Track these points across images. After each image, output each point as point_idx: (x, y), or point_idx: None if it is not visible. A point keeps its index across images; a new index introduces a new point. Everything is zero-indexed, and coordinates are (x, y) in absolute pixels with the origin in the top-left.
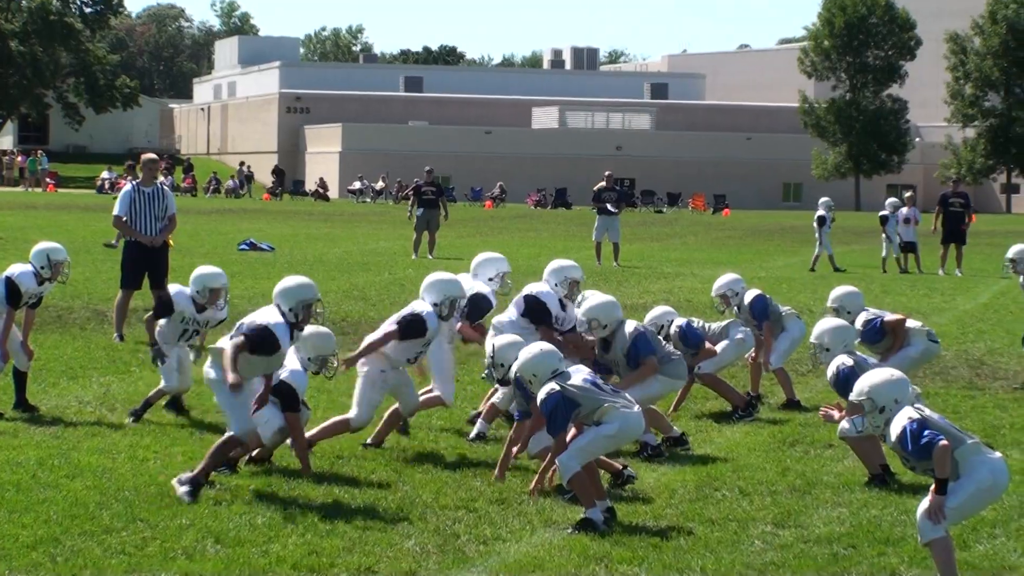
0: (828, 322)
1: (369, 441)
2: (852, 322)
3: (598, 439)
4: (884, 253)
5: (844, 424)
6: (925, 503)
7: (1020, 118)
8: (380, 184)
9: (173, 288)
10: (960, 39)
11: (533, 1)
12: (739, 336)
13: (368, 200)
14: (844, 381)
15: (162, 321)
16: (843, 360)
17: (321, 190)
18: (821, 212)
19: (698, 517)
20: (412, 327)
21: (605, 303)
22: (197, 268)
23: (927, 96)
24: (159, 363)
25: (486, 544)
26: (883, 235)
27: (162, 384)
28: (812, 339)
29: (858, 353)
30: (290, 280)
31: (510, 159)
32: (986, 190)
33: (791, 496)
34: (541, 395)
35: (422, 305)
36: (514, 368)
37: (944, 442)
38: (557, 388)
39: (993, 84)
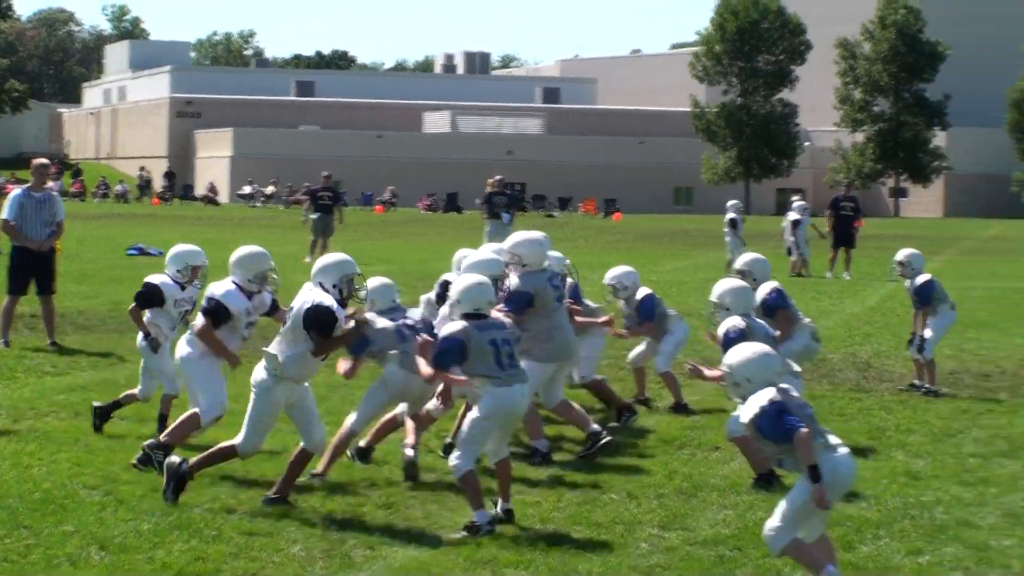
0: (730, 282)
1: (364, 444)
2: (756, 288)
3: (475, 424)
4: (796, 257)
5: (731, 425)
6: (774, 516)
7: (909, 123)
8: (271, 189)
9: (155, 278)
10: (850, 44)
11: (425, 6)
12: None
13: (258, 205)
14: (729, 343)
15: (148, 314)
16: (735, 322)
17: (211, 195)
18: (732, 215)
19: (585, 520)
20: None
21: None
22: (174, 247)
23: (817, 101)
24: (153, 352)
25: (372, 549)
26: (792, 239)
27: (138, 390)
28: (712, 297)
29: (756, 319)
30: (243, 250)
31: (401, 163)
32: (875, 194)
33: (678, 499)
34: None
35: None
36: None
37: (805, 430)
38: None
39: (882, 89)
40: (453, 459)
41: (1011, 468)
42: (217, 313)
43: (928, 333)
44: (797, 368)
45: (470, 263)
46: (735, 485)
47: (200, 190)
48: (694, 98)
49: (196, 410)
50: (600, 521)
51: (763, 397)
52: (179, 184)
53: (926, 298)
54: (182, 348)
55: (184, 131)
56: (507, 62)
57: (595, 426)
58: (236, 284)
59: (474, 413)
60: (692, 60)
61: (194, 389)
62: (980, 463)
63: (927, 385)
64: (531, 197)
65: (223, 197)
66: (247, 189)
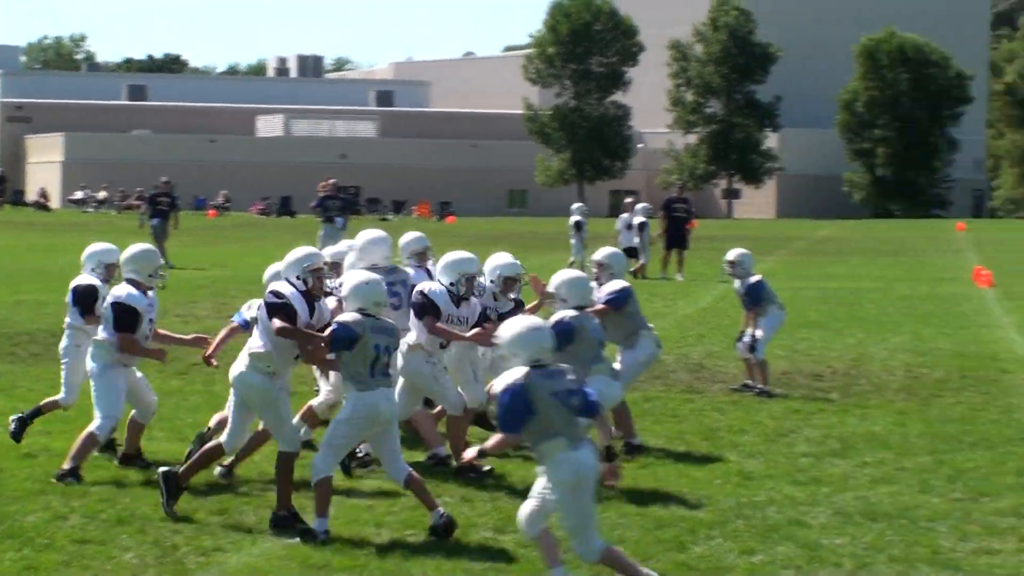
0: (567, 273)
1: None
2: (609, 281)
3: (337, 428)
4: (572, 258)
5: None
6: (526, 504)
7: (741, 124)
8: (103, 194)
9: (82, 280)
10: (682, 46)
11: (258, 9)
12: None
13: (90, 210)
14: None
15: (68, 318)
16: (566, 315)
17: (43, 200)
18: (577, 217)
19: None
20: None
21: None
22: (89, 246)
23: (650, 103)
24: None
25: (206, 556)
26: (572, 241)
27: (60, 396)
28: (550, 287)
29: (588, 315)
30: (136, 248)
31: (234, 167)
32: (708, 196)
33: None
34: None
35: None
36: None
37: (501, 437)
38: None
39: (714, 91)
40: (316, 459)
41: (842, 467)
42: (127, 317)
43: (759, 333)
44: (617, 366)
45: (448, 260)
46: None
47: (31, 195)
48: (527, 100)
49: (92, 430)
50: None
51: (511, 376)
52: (10, 189)
53: (756, 298)
54: (88, 363)
55: (15, 136)
56: (340, 65)
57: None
58: (131, 281)
59: (336, 417)
60: (525, 63)
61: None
62: (812, 463)
63: (760, 385)
64: (365, 200)
65: (55, 203)
66: (79, 194)
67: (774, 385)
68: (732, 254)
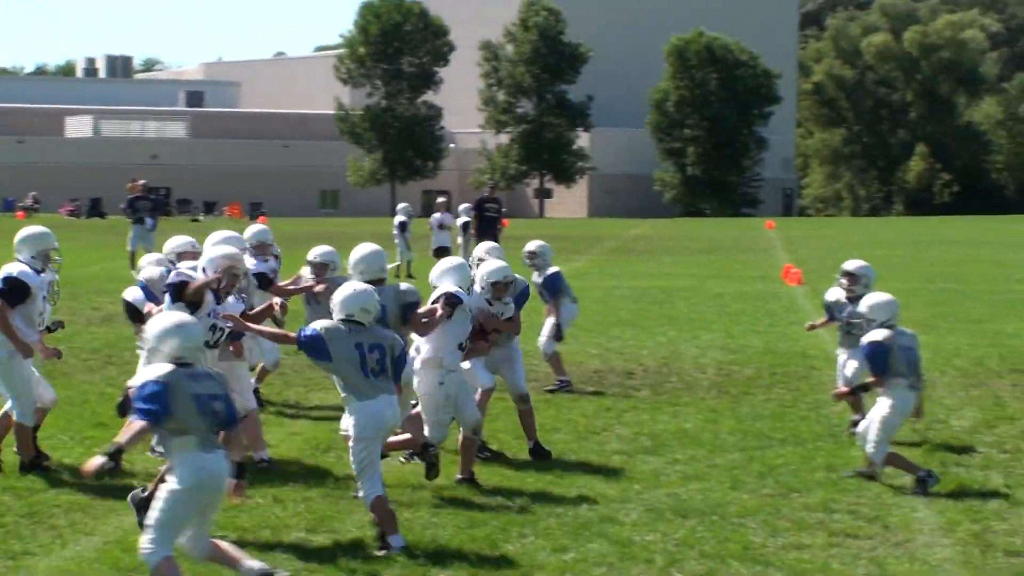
0: (448, 262)
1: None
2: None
3: (354, 450)
4: (398, 259)
5: None
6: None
7: (552, 124)
8: None
9: (11, 268)
10: (493, 46)
11: (66, 9)
12: None
13: None
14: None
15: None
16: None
17: None
18: (402, 218)
19: (231, 526)
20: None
21: None
22: (21, 231)
23: (462, 103)
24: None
25: (15, 559)
26: (396, 242)
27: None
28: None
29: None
30: (28, 230)
31: (43, 168)
32: (520, 195)
33: (324, 502)
34: None
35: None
36: None
37: (138, 428)
38: None
39: (525, 91)
40: (359, 490)
41: (654, 464)
42: (15, 290)
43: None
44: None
45: (445, 269)
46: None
47: None
48: (339, 101)
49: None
50: (246, 526)
51: (157, 370)
52: None
53: (553, 289)
54: None
55: None
56: (150, 65)
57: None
58: (22, 262)
59: (352, 436)
60: (336, 63)
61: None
62: (624, 460)
63: (561, 378)
64: (176, 201)
65: None
66: None
67: (586, 383)
68: (532, 245)
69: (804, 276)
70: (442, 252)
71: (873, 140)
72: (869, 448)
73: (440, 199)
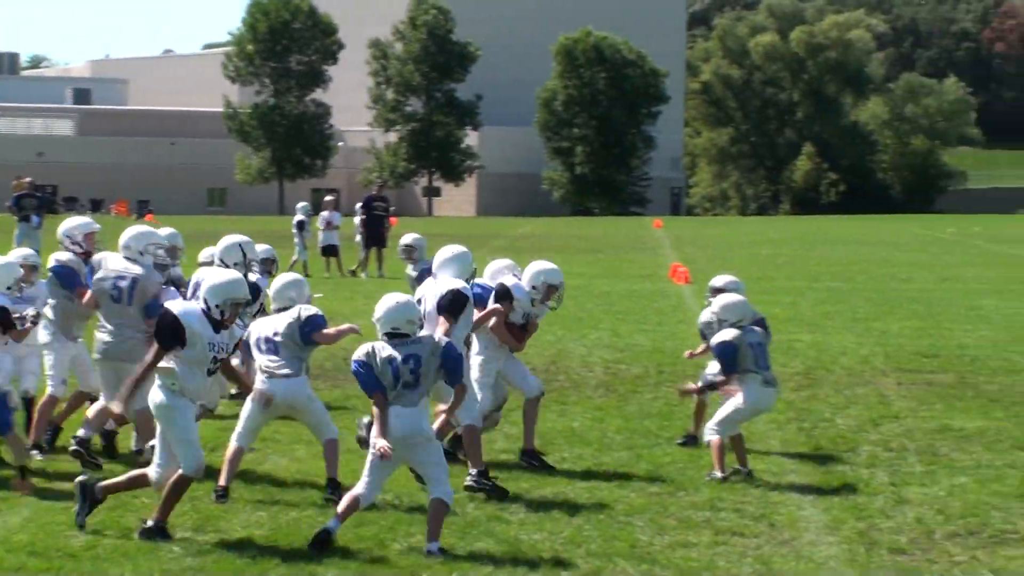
0: (286, 277)
1: None
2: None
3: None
4: (296, 257)
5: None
6: None
7: (441, 122)
8: None
9: None
10: (382, 45)
11: None
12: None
13: None
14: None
15: None
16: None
17: None
18: (300, 216)
19: (116, 525)
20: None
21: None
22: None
23: (350, 101)
24: None
25: None
26: (296, 240)
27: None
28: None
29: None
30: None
31: None
32: (409, 194)
33: (210, 501)
34: None
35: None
36: None
37: None
38: None
39: (414, 89)
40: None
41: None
42: None
43: None
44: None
45: (447, 258)
46: (269, 486)
47: None
48: (227, 98)
49: None
50: (131, 526)
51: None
52: None
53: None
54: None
55: None
56: (36, 62)
57: None
58: None
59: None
60: (225, 60)
61: None
62: (511, 459)
63: None
64: (63, 199)
65: None
66: None
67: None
68: (408, 238)
69: (691, 275)
70: (330, 251)
71: (760, 140)
72: (708, 425)
73: (328, 197)
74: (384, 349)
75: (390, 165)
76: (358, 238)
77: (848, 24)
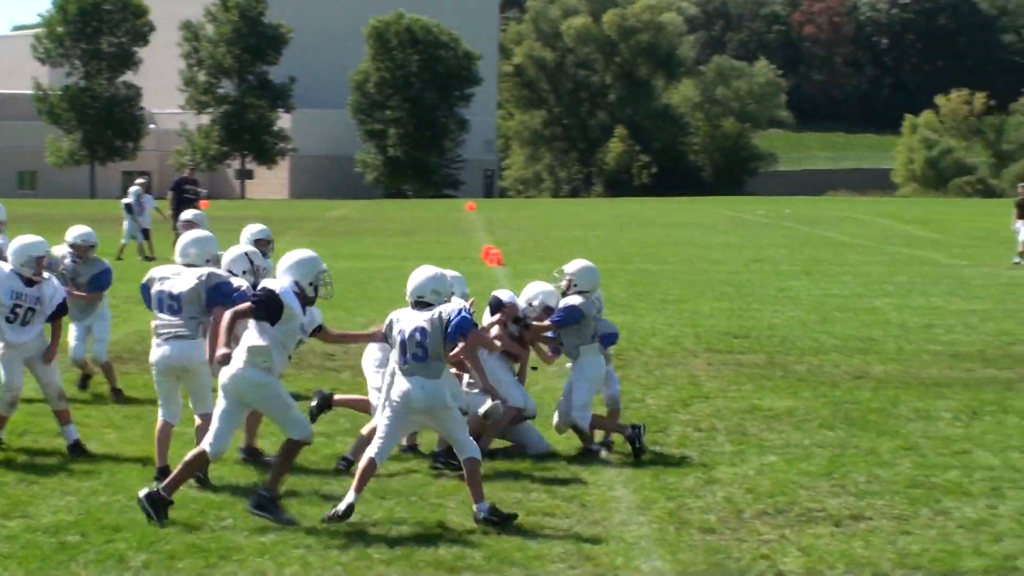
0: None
1: None
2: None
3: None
4: (125, 240)
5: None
6: None
7: (253, 105)
8: None
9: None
10: (193, 27)
11: None
12: None
13: None
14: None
15: None
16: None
17: None
18: (129, 200)
19: None
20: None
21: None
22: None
23: (162, 83)
24: None
25: None
26: (126, 222)
27: None
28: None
29: None
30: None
31: None
32: (222, 176)
33: (19, 487)
34: None
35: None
36: None
37: None
38: None
39: (226, 72)
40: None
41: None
42: None
43: None
44: None
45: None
46: (76, 473)
47: None
48: (37, 81)
49: None
50: None
51: None
52: None
53: None
54: None
55: None
56: None
57: None
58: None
59: None
60: (34, 42)
61: None
62: (325, 441)
63: None
64: None
65: None
66: None
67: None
68: (251, 230)
69: (504, 257)
70: (142, 234)
71: (573, 122)
72: (576, 413)
73: (139, 180)
74: (400, 320)
75: (202, 148)
76: (125, 224)
77: (660, 7)
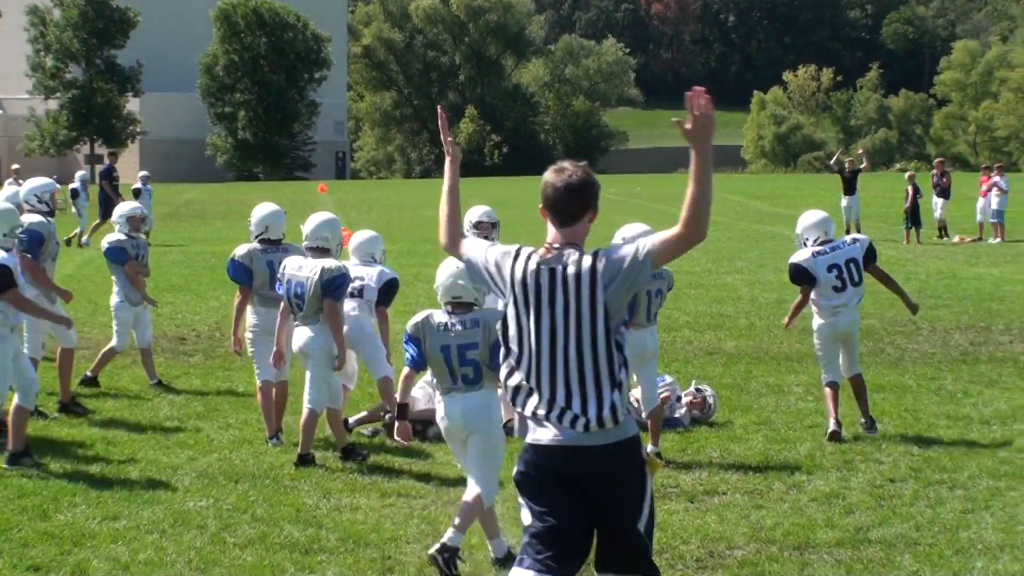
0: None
1: None
2: None
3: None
4: (79, 229)
5: None
6: None
7: (102, 89)
8: None
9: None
10: (40, 11)
11: None
12: None
13: None
14: None
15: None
16: None
17: None
18: (75, 184)
19: None
20: None
21: None
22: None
23: (10, 68)
24: None
25: None
26: (74, 209)
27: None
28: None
29: None
30: None
31: None
32: (71, 161)
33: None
34: None
35: None
36: None
37: None
38: None
39: (74, 56)
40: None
41: (206, 430)
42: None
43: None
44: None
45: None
46: None
47: None
48: None
49: None
50: None
51: None
52: None
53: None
54: None
55: None
56: None
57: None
58: None
59: None
60: None
61: None
62: (176, 424)
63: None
64: None
65: None
66: None
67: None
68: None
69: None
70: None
71: (424, 103)
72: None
73: (15, 166)
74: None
75: (51, 133)
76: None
77: None
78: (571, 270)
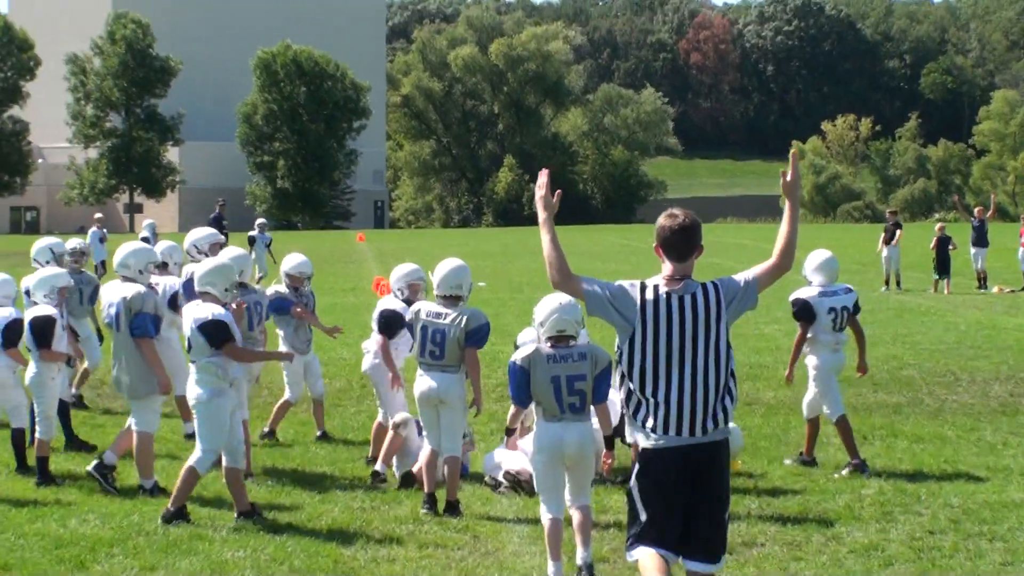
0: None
1: None
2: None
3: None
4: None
5: None
6: None
7: (141, 138)
8: None
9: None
10: (80, 60)
11: None
12: None
13: None
14: None
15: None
16: None
17: None
18: (145, 234)
19: None
20: None
21: None
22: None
23: (50, 117)
24: None
25: None
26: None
27: None
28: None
29: None
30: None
31: None
32: (111, 209)
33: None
34: None
35: None
36: None
37: None
38: None
39: (114, 105)
40: None
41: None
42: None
43: None
44: None
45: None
46: None
47: None
48: None
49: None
50: None
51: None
52: None
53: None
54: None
55: None
56: None
57: None
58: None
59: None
60: None
61: None
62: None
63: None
64: None
65: None
66: None
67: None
68: (74, 243)
69: None
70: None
71: (462, 152)
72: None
73: (98, 215)
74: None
75: (90, 182)
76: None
77: (546, 36)
78: (699, 296)
